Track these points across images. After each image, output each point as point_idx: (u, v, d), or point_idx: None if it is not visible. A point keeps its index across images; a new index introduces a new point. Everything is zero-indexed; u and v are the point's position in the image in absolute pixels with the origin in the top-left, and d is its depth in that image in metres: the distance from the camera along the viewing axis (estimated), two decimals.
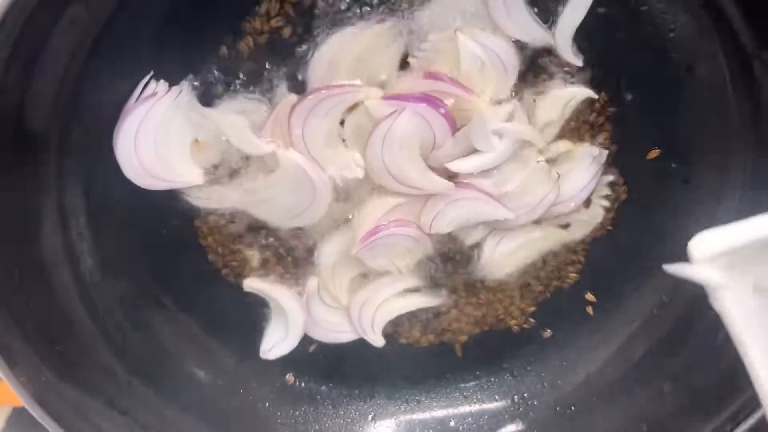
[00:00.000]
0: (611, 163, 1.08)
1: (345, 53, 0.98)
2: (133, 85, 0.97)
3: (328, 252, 1.12)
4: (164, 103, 0.97)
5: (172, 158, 1.00)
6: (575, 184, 1.08)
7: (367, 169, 1.02)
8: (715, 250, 0.70)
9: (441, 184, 1.03)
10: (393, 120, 0.97)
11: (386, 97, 0.98)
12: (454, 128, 0.99)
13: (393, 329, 1.18)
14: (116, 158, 0.97)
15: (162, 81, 0.97)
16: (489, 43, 0.97)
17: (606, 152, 1.07)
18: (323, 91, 0.98)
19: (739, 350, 0.71)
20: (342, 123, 1.02)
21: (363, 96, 0.98)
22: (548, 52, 1.01)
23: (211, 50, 0.99)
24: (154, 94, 0.97)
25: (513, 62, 1.00)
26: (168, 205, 1.06)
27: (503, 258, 1.14)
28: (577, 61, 1.01)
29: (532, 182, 1.06)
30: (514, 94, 1.02)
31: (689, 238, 0.82)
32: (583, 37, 0.99)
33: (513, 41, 0.99)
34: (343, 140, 1.03)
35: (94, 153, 0.98)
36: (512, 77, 1.01)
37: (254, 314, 1.16)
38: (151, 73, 0.97)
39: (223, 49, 0.99)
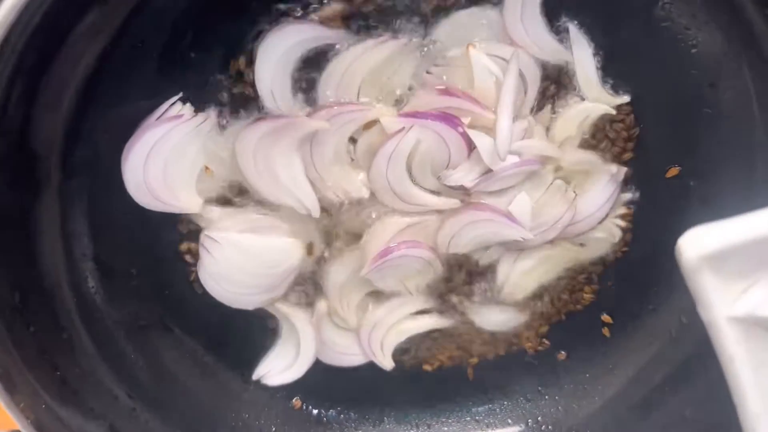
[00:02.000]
0: (629, 181, 1.07)
1: (357, 70, 0.96)
2: (141, 105, 0.95)
3: (335, 272, 1.09)
4: (186, 128, 0.96)
5: (178, 182, 0.98)
6: (592, 203, 1.06)
7: (372, 189, 1.00)
8: (708, 250, 0.66)
9: (446, 201, 1.02)
10: (401, 137, 0.95)
11: (402, 114, 0.96)
12: (471, 147, 0.97)
13: (403, 351, 1.16)
14: (122, 172, 0.95)
15: (189, 104, 0.96)
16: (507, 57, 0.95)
17: (624, 170, 1.05)
18: (334, 108, 0.95)
19: (725, 367, 0.68)
20: (354, 142, 1.00)
21: (376, 114, 0.96)
22: (566, 68, 0.99)
23: (219, 70, 0.97)
24: (179, 116, 0.95)
25: (534, 78, 0.98)
26: (173, 227, 1.04)
27: (519, 278, 1.11)
28: (598, 81, 0.99)
29: (549, 202, 1.04)
30: (534, 109, 1.00)
31: None
32: (603, 52, 0.98)
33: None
34: (352, 159, 1.01)
35: (99, 173, 0.97)
36: (533, 93, 0.99)
37: (260, 339, 1.14)
38: (180, 94, 0.96)
39: (236, 65, 0.97)
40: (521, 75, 0.95)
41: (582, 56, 0.98)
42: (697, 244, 0.67)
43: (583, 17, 0.96)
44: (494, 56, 0.95)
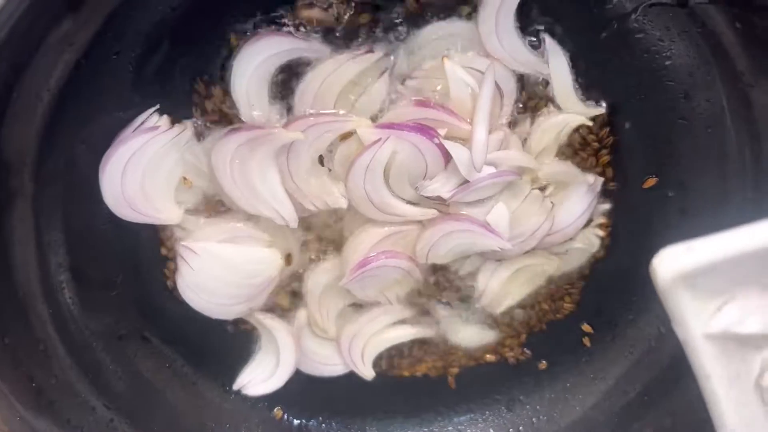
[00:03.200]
0: (607, 192, 1.07)
1: (334, 82, 0.96)
2: (117, 116, 0.95)
3: (315, 282, 1.09)
4: (163, 139, 0.96)
5: (156, 194, 0.99)
6: (570, 213, 1.06)
7: (350, 199, 1.00)
8: (682, 269, 0.66)
9: (423, 212, 1.01)
10: (377, 148, 0.95)
11: (379, 125, 0.96)
12: (448, 158, 0.96)
13: (384, 361, 1.16)
14: (100, 185, 0.95)
15: (165, 116, 0.96)
16: (483, 69, 0.95)
17: (602, 180, 1.05)
18: (311, 119, 0.96)
19: (701, 383, 0.67)
20: (331, 152, 1.00)
21: (353, 125, 0.95)
22: (542, 79, 1.00)
23: (196, 82, 0.97)
24: (155, 127, 0.95)
25: (510, 90, 0.98)
26: (151, 238, 1.04)
27: (498, 289, 1.11)
28: (574, 91, 0.99)
29: (526, 212, 1.04)
30: (510, 121, 1.01)
31: None
32: (578, 62, 0.98)
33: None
34: (330, 170, 1.01)
35: (74, 184, 0.96)
36: (509, 105, 0.99)
37: (240, 348, 1.13)
38: (157, 105, 0.96)
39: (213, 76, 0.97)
40: (497, 87, 0.95)
41: (558, 67, 0.98)
42: (671, 263, 0.67)
43: (558, 28, 0.97)
44: (470, 68, 0.95)
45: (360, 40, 0.95)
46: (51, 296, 0.99)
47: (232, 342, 1.12)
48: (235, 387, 1.11)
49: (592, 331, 1.14)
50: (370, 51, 0.95)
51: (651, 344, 1.11)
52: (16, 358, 0.92)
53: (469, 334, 1.15)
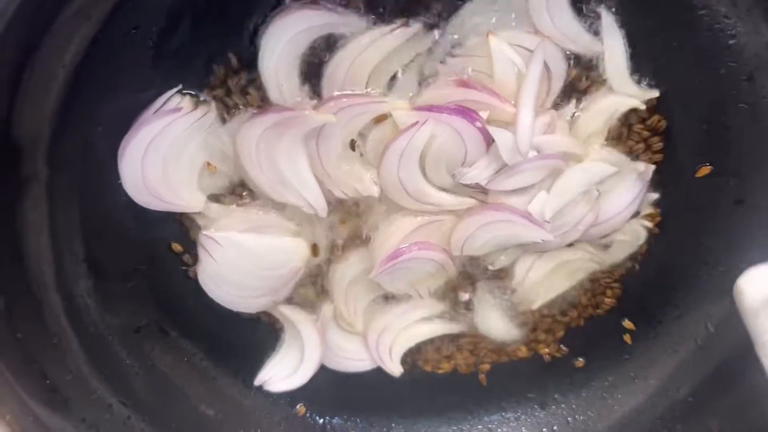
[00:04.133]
0: (657, 180, 1.01)
1: (367, 59, 0.90)
2: (136, 97, 0.90)
3: (342, 274, 1.04)
4: (186, 122, 0.91)
5: (178, 180, 0.94)
6: (617, 203, 1.00)
7: (382, 186, 0.95)
8: None
9: (461, 200, 0.97)
10: (414, 132, 0.89)
11: (416, 108, 0.90)
12: (489, 143, 0.91)
13: (411, 356, 1.12)
14: (118, 170, 0.90)
15: (188, 96, 0.91)
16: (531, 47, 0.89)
17: (652, 168, 0.99)
18: (344, 100, 0.90)
19: None
20: (363, 136, 0.94)
21: (388, 107, 0.90)
22: (594, 58, 0.94)
23: (220, 60, 0.92)
24: (177, 109, 0.90)
25: (559, 70, 0.92)
26: (172, 226, 1.00)
27: (535, 283, 1.06)
28: (628, 73, 0.93)
29: (570, 201, 0.98)
30: (557, 103, 0.95)
31: (741, 264, 0.75)
32: (633, 42, 0.92)
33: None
34: (361, 155, 0.96)
35: (91, 169, 0.92)
36: (557, 86, 0.93)
37: (262, 342, 1.09)
38: (179, 85, 0.90)
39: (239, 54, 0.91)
40: (545, 66, 0.89)
41: (613, 46, 0.92)
42: (758, 284, 0.60)
43: (615, 3, 0.91)
44: (516, 46, 0.90)
45: (401, 14, 0.89)
46: (65, 287, 0.95)
47: (254, 336, 1.08)
48: (257, 383, 1.08)
49: (633, 328, 1.09)
50: (406, 25, 0.89)
51: (697, 343, 1.06)
52: (28, 354, 0.88)
53: (501, 328, 1.11)
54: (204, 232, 0.97)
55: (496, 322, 1.10)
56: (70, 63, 0.84)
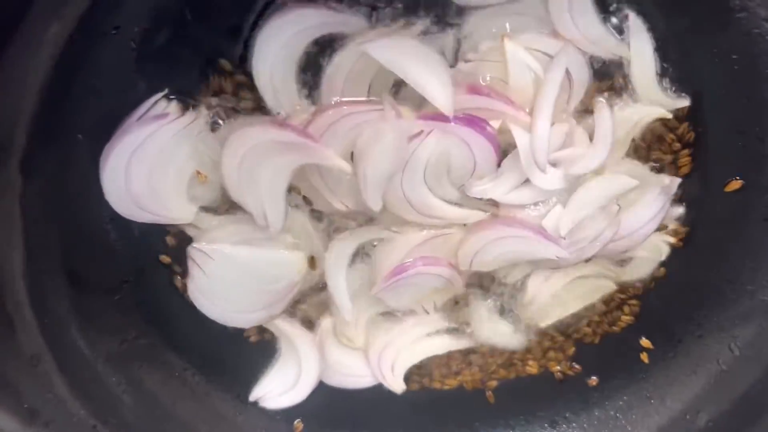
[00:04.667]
0: (683, 193, 0.96)
1: (369, 62, 0.83)
2: (118, 102, 0.84)
3: (343, 287, 0.98)
4: (173, 129, 0.85)
5: (166, 190, 0.88)
6: (639, 218, 0.94)
7: (384, 199, 0.89)
8: None
9: (470, 214, 0.91)
10: (418, 143, 0.83)
11: (422, 116, 0.84)
12: (500, 154, 0.86)
13: (415, 372, 1.07)
14: (101, 179, 0.85)
15: (175, 102, 0.85)
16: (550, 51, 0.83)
17: (678, 181, 0.94)
18: (344, 108, 0.83)
19: None
20: None
21: (393, 115, 0.82)
22: (618, 64, 0.88)
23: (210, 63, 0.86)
24: (163, 115, 0.84)
25: (581, 76, 0.86)
26: (159, 237, 0.95)
27: (548, 301, 1.00)
28: (656, 79, 0.87)
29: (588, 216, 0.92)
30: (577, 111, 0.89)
31: None
32: (662, 46, 0.87)
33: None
34: None
35: (70, 176, 0.87)
36: (578, 94, 0.87)
37: (258, 356, 1.04)
38: (165, 90, 0.85)
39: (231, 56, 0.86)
40: (566, 72, 0.83)
41: (641, 50, 0.87)
42: None
43: (642, 5, 0.85)
44: (534, 50, 0.84)
45: (404, 14, 0.83)
46: (41, 304, 0.89)
47: (249, 349, 1.03)
48: (252, 398, 1.04)
49: (651, 347, 1.05)
50: (411, 23, 0.83)
51: (720, 366, 1.00)
52: (3, 377, 0.83)
53: (508, 342, 1.05)
54: (194, 245, 0.91)
55: (496, 327, 1.04)
56: (44, 66, 0.79)
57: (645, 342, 1.05)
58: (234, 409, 1.05)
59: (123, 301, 0.97)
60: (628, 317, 1.05)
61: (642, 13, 0.85)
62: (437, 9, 0.84)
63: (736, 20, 0.84)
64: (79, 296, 0.93)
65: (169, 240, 0.96)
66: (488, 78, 0.85)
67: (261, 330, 1.02)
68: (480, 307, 1.03)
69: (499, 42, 0.83)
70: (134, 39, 0.82)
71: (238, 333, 1.01)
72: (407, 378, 1.05)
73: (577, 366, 1.08)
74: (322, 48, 0.85)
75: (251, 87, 0.85)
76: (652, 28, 0.85)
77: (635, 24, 0.84)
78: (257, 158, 0.84)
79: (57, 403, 0.89)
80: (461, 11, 0.83)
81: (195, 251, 0.92)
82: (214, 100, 0.87)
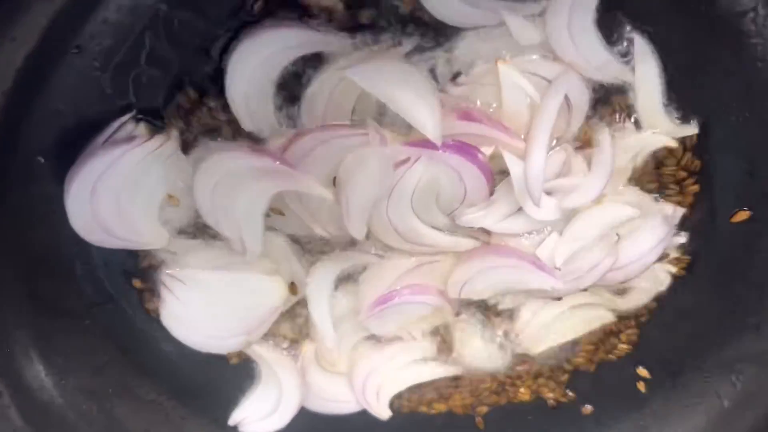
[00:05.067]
0: (686, 222, 0.92)
1: (350, 85, 0.78)
2: (82, 124, 0.79)
3: (326, 313, 0.94)
4: (141, 152, 0.80)
5: (136, 215, 0.84)
6: (638, 248, 0.91)
7: (370, 226, 0.86)
8: None
9: (459, 242, 0.88)
10: (404, 171, 0.80)
11: (410, 143, 0.80)
12: (492, 181, 0.82)
13: (401, 397, 1.03)
14: (65, 205, 0.80)
15: (143, 124, 0.81)
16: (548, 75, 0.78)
17: (682, 211, 0.90)
18: (326, 132, 0.79)
19: None
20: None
21: (377, 140, 0.78)
22: (621, 88, 0.83)
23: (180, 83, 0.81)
24: (130, 138, 0.79)
25: (580, 102, 0.81)
26: (130, 261, 0.91)
27: (542, 329, 0.97)
28: (662, 106, 0.83)
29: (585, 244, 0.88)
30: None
31: None
32: (669, 71, 0.82)
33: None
34: None
35: (32, 199, 0.82)
36: (578, 120, 0.82)
37: (236, 379, 1.01)
38: (133, 111, 0.80)
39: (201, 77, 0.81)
40: (565, 97, 0.78)
41: (646, 75, 0.82)
42: None
43: (649, 28, 0.80)
44: (530, 74, 0.79)
45: (391, 33, 0.78)
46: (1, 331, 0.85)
47: (227, 371, 1.00)
48: (231, 422, 1.00)
49: (649, 377, 1.01)
50: (399, 44, 0.78)
51: (721, 400, 0.97)
52: None
53: (494, 366, 1.02)
54: (166, 271, 0.87)
55: (483, 352, 1.01)
56: (2, 86, 0.74)
57: (642, 371, 1.02)
58: None
59: (91, 325, 0.93)
60: (625, 346, 1.02)
61: (648, 35, 0.80)
62: (427, 28, 0.78)
63: (749, 45, 0.79)
64: (42, 321, 0.89)
65: (142, 262, 0.91)
66: (479, 103, 0.80)
67: (239, 353, 0.98)
68: (467, 333, 0.99)
69: (493, 64, 0.78)
70: (96, 59, 0.76)
71: (214, 355, 0.96)
72: (392, 402, 1.02)
73: (571, 393, 1.05)
74: (303, 68, 0.79)
75: (225, 108, 0.80)
76: (658, 52, 0.81)
77: (641, 47, 0.80)
78: (232, 184, 0.80)
79: None
80: (453, 31, 0.78)
81: (168, 278, 0.88)
82: (185, 122, 0.81)
